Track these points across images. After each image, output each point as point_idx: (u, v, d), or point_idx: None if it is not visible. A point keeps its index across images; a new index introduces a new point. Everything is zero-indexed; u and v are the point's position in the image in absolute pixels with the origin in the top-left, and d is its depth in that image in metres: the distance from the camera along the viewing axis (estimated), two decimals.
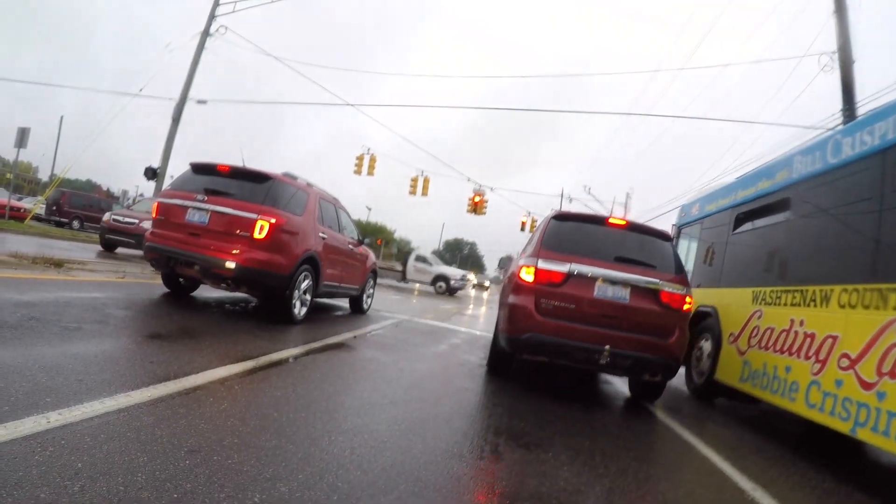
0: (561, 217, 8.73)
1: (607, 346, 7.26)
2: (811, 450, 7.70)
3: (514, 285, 8.01)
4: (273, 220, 9.17)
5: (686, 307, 7.75)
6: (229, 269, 8.93)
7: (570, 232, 8.29)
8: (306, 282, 10.24)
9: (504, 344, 8.03)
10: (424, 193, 37.69)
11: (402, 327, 13.05)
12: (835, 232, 7.55)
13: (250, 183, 9.69)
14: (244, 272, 9.01)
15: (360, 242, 13.58)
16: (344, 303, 15.08)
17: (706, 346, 10.34)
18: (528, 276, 7.67)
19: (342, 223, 12.51)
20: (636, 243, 8.22)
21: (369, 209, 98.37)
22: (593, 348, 7.31)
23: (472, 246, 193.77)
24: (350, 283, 12.96)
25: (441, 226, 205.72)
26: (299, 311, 10.11)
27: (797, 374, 7.36)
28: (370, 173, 34.72)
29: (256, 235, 9.05)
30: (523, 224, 44.46)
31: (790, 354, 7.60)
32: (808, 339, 7.26)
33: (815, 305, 7.31)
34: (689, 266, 12.44)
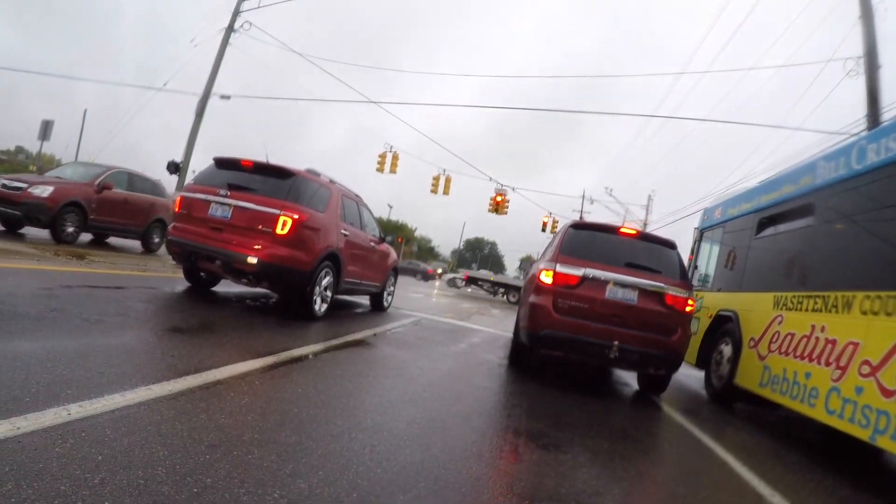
0: (577, 226, 9.65)
1: (616, 342, 8.02)
2: (829, 456, 7.66)
3: (534, 286, 8.77)
4: (296, 217, 9.17)
5: (688, 309, 8.46)
6: (251, 265, 8.94)
7: (586, 239, 9.10)
8: (327, 278, 10.25)
9: (524, 339, 8.81)
10: (446, 192, 37.89)
11: (423, 326, 13.05)
12: (858, 238, 7.50)
13: (273, 179, 9.70)
14: (266, 268, 9.02)
15: (382, 240, 13.59)
16: (364, 300, 15.11)
17: (726, 350, 10.29)
18: (547, 278, 8.46)
19: (364, 220, 12.52)
20: (645, 251, 9.06)
21: (390, 207, 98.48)
22: (604, 344, 8.06)
23: (493, 246, 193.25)
24: (371, 280, 12.95)
25: (462, 225, 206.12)
26: (320, 307, 10.13)
27: (817, 380, 7.31)
28: (392, 171, 34.76)
29: (279, 231, 9.06)
30: (544, 224, 44.50)
31: (810, 360, 7.55)
32: (829, 346, 7.21)
33: (837, 312, 7.26)
34: (710, 270, 12.56)
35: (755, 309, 9.56)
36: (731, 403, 10.17)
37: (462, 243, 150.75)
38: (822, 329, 7.45)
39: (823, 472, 6.54)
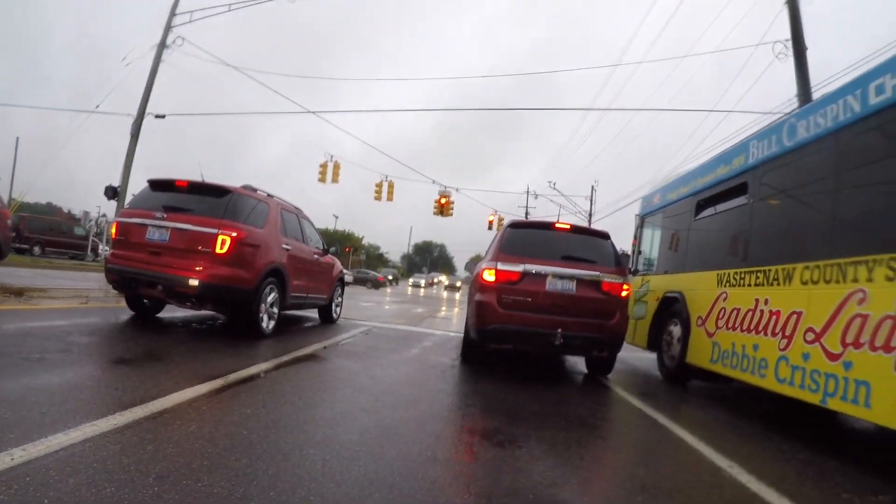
0: (515, 225, 10.29)
1: (560, 330, 8.45)
2: (784, 424, 7.78)
3: (479, 285, 9.18)
4: (234, 234, 9.07)
5: (624, 293, 9.03)
6: (193, 287, 8.80)
7: (524, 237, 9.66)
8: (272, 295, 10.15)
9: (474, 335, 9.25)
10: (390, 198, 38.22)
11: (374, 334, 12.95)
12: (793, 212, 7.76)
13: (210, 197, 9.57)
14: (208, 289, 8.90)
15: (326, 251, 13.52)
16: (314, 313, 14.97)
17: (675, 330, 10.47)
18: (489, 276, 8.88)
19: (306, 233, 12.43)
20: (580, 243, 9.59)
21: (336, 217, 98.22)
22: (548, 333, 8.48)
23: (442, 248, 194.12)
24: (318, 293, 12.88)
25: (409, 229, 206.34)
26: (267, 324, 10.02)
27: (765, 351, 7.49)
28: (335, 181, 34.72)
29: (218, 251, 8.93)
30: (490, 223, 45.01)
31: (757, 333, 7.75)
32: (774, 317, 7.40)
33: (779, 284, 7.47)
34: (654, 254, 12.82)
35: (700, 288, 9.74)
36: (685, 382, 10.34)
37: (411, 248, 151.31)
38: (766, 302, 7.65)
39: (780, 440, 6.63)
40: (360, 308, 21.71)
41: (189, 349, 8.06)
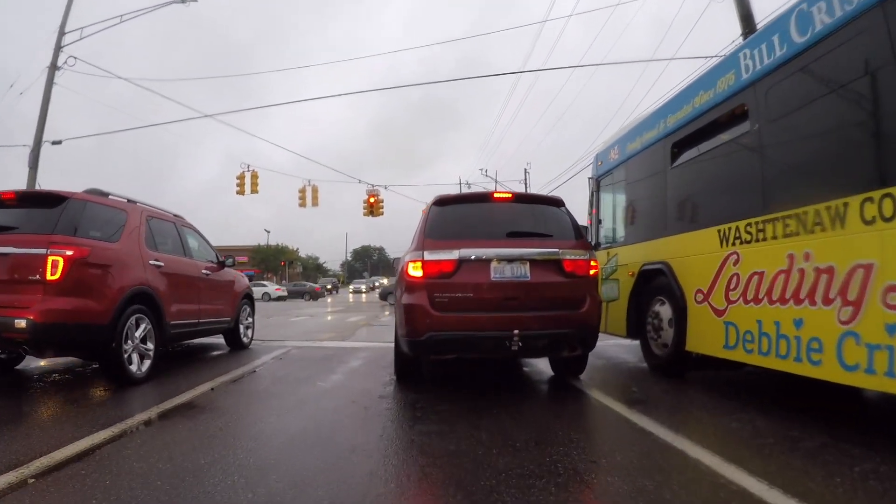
0: (442, 202, 8.12)
1: (516, 330, 6.72)
2: (843, 420, 5.47)
3: (404, 283, 7.35)
4: (69, 253, 6.87)
5: (593, 272, 7.38)
6: (20, 330, 6.54)
7: (455, 215, 7.87)
8: (142, 326, 7.89)
9: (406, 349, 7.45)
10: (315, 204, 37.38)
11: (289, 358, 10.60)
12: (830, 127, 5.51)
13: (40, 209, 7.45)
14: (42, 330, 6.63)
15: (222, 265, 11.26)
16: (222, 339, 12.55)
17: (663, 311, 8.37)
18: (415, 271, 7.11)
19: (189, 245, 10.20)
20: (527, 215, 7.96)
21: (268, 232, 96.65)
22: (502, 335, 6.78)
23: (381, 251, 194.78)
24: (215, 315, 10.62)
25: (345, 236, 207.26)
26: (139, 366, 7.79)
27: (816, 328, 5.33)
28: (254, 191, 33.69)
29: (50, 276, 6.73)
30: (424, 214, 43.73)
31: (798, 303, 5.57)
32: (825, 277, 5.23)
33: (824, 229, 5.29)
34: (618, 222, 10.87)
35: (693, 253, 7.63)
36: (683, 374, 8.29)
37: (349, 254, 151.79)
38: (807, 257, 5.47)
39: (863, 454, 4.40)
40: (287, 325, 19.84)
41: (16, 416, 6.00)
